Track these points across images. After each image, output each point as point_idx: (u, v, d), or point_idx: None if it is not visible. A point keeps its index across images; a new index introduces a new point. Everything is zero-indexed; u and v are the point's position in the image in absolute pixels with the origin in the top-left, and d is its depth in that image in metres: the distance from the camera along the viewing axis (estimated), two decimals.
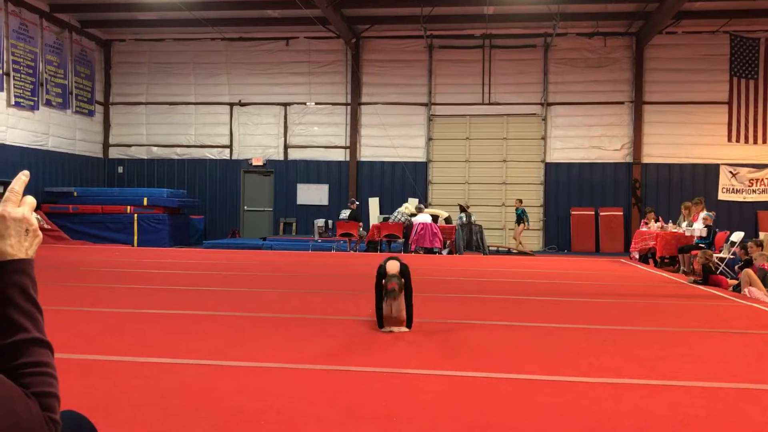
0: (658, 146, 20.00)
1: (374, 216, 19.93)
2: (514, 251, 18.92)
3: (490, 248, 18.37)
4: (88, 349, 4.67)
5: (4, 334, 1.30)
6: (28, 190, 1.37)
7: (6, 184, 16.68)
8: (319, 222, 19.95)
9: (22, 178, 1.37)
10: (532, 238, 20.43)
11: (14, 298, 1.30)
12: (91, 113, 21.31)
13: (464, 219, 17.47)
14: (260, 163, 21.49)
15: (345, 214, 17.70)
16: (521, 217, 18.96)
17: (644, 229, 15.60)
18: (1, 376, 1.22)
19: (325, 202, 21.23)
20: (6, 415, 1.16)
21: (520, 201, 19.27)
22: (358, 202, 18.91)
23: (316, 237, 19.10)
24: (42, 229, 17.37)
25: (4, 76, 17.29)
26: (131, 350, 4.67)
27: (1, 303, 1.30)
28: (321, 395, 3.59)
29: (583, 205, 20.21)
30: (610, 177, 20.28)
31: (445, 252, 17.02)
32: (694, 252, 12.29)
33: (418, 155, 20.99)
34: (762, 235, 15.45)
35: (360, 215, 18.16)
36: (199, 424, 3.07)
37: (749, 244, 10.80)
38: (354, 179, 21.05)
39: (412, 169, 20.88)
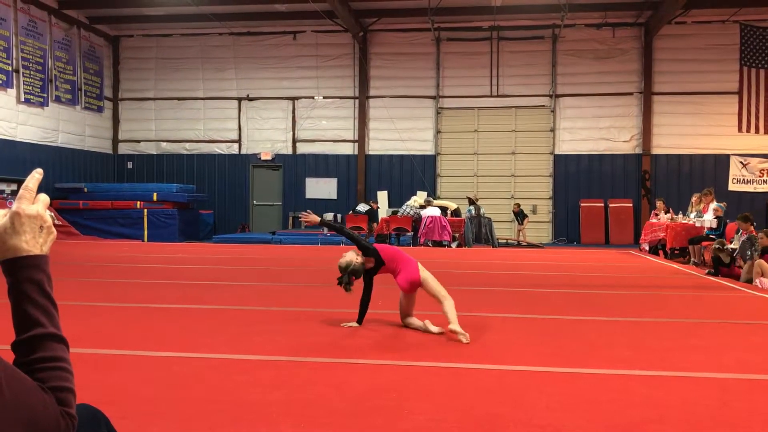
0: (668, 137, 19.88)
1: (383, 210, 19.97)
2: (524, 243, 18.92)
3: (500, 241, 18.37)
4: (101, 344, 4.72)
5: (21, 329, 1.32)
6: (38, 186, 1.39)
7: (17, 181, 16.79)
8: (328, 216, 19.98)
9: (36, 176, 1.39)
10: (542, 231, 20.40)
11: (30, 293, 1.32)
12: (100, 109, 21.40)
13: (473, 212, 17.47)
14: (269, 158, 21.53)
15: (363, 208, 17.87)
16: (519, 217, 19.58)
17: (654, 220, 15.55)
18: (18, 370, 1.24)
19: (333, 196, 21.26)
20: (23, 410, 1.17)
21: (518, 205, 19.74)
22: (378, 206, 19.08)
23: (325, 231, 19.13)
24: (53, 225, 17.48)
25: (14, 73, 17.38)
26: (143, 344, 4.71)
27: (16, 298, 1.32)
28: (331, 387, 3.61)
29: (592, 197, 20.14)
30: (619, 168, 20.19)
31: (454, 245, 17.02)
32: (704, 243, 12.23)
33: (426, 148, 20.97)
34: None
35: (376, 216, 18.36)
36: (210, 416, 3.10)
37: (760, 234, 10.74)
38: (363, 173, 21.06)
39: (421, 162, 20.86)
